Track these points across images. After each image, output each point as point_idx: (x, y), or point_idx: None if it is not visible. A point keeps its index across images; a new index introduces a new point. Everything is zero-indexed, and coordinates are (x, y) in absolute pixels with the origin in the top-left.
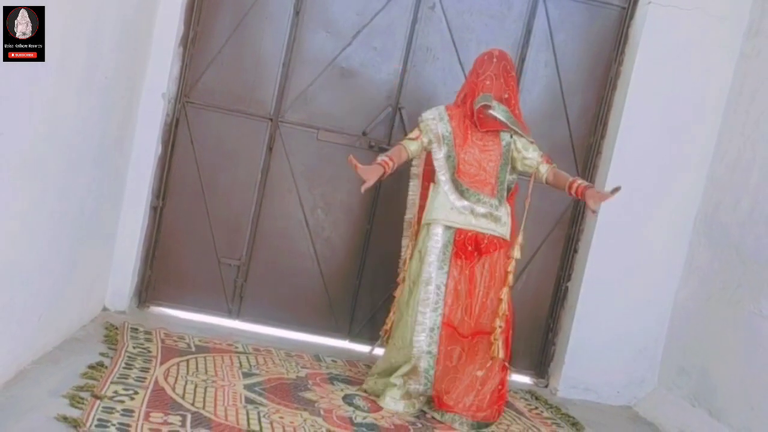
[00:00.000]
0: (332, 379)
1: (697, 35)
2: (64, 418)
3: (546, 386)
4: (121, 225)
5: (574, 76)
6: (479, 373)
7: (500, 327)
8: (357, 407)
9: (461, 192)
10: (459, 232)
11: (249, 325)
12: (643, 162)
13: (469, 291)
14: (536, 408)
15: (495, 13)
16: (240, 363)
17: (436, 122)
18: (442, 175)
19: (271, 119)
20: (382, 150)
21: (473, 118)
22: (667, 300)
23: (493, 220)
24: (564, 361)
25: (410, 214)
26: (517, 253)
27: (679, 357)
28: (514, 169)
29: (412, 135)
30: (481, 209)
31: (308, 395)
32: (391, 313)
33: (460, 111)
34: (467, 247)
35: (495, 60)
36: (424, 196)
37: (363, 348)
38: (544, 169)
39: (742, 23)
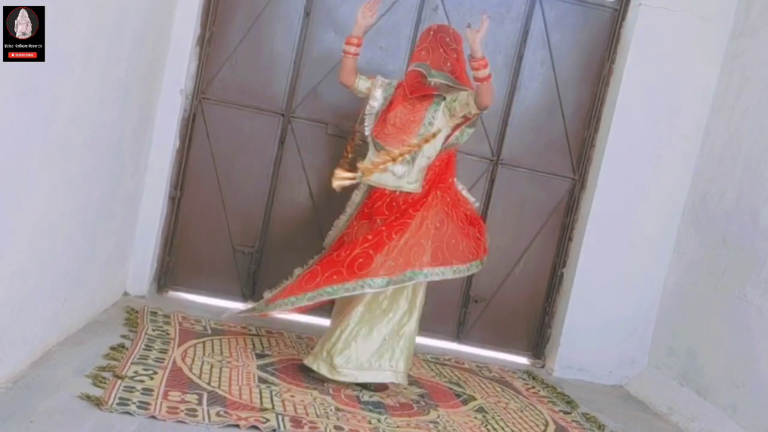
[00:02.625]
0: None
1: (685, 35)
2: (88, 397)
3: (542, 367)
4: (141, 214)
5: (569, 74)
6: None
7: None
8: (363, 386)
9: (378, 150)
10: (372, 189)
11: None
12: (634, 154)
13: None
14: (533, 387)
15: (494, 14)
16: (253, 345)
17: (384, 86)
18: (366, 130)
19: (283, 114)
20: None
21: (409, 89)
22: (656, 285)
23: (404, 177)
24: (559, 343)
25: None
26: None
27: (668, 339)
28: (456, 121)
29: (368, 80)
30: (395, 167)
31: (318, 375)
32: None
33: (403, 83)
34: (368, 204)
35: (432, 33)
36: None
37: None
38: (473, 97)
39: (727, 24)
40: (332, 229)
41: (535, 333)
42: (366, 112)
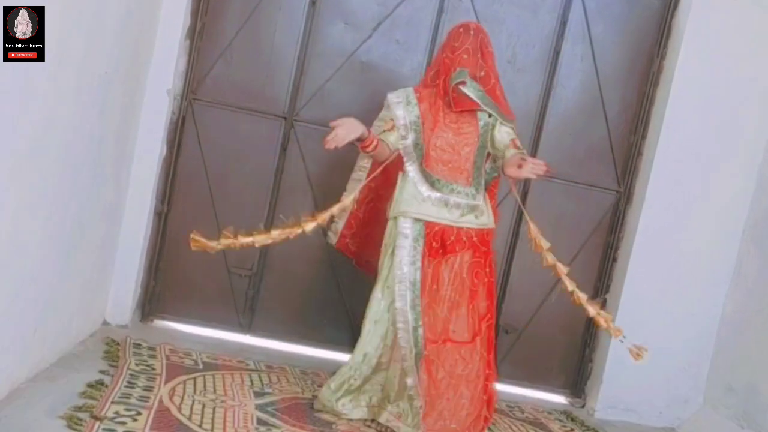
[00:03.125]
0: None
1: (745, 28)
2: None
3: (582, 406)
4: (123, 232)
5: (613, 71)
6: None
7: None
8: (377, 429)
9: (432, 183)
10: (428, 225)
11: (261, 340)
12: (687, 163)
13: (431, 293)
14: (572, 430)
15: (527, 3)
16: (251, 381)
17: (403, 107)
18: (410, 165)
19: (285, 118)
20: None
21: (446, 98)
22: (713, 312)
23: (469, 211)
24: (602, 380)
25: (350, 191)
26: (544, 243)
27: (727, 374)
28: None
29: (385, 126)
30: (455, 200)
31: (325, 416)
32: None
33: (429, 91)
34: (433, 243)
35: (472, 33)
36: (386, 186)
37: None
38: (510, 155)
39: None
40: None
41: (574, 368)
42: (402, 152)
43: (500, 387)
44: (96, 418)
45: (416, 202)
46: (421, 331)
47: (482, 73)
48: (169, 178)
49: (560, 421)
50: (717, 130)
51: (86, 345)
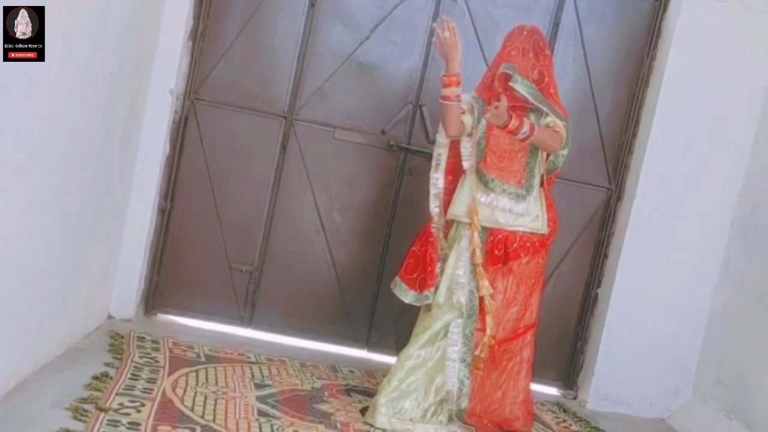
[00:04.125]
0: (349, 391)
1: (733, 29)
2: None
3: (574, 398)
4: (127, 228)
5: (604, 72)
6: (505, 386)
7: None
8: None
9: (485, 182)
10: (491, 233)
11: (261, 333)
12: (676, 162)
13: (493, 299)
14: (564, 421)
15: (521, 5)
16: (252, 374)
17: (473, 103)
18: (467, 163)
19: (285, 117)
20: (402, 149)
21: (497, 93)
22: (702, 307)
23: (522, 214)
24: (593, 372)
25: (434, 206)
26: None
27: (715, 367)
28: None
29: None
30: (505, 203)
31: (324, 407)
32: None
33: (487, 95)
34: (495, 251)
35: (525, 33)
36: (449, 191)
37: (382, 358)
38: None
39: None
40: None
41: (567, 361)
42: (463, 153)
43: None
44: (101, 409)
45: (470, 204)
46: (472, 335)
47: (536, 73)
48: (172, 175)
49: (553, 412)
50: (705, 130)
51: (91, 338)
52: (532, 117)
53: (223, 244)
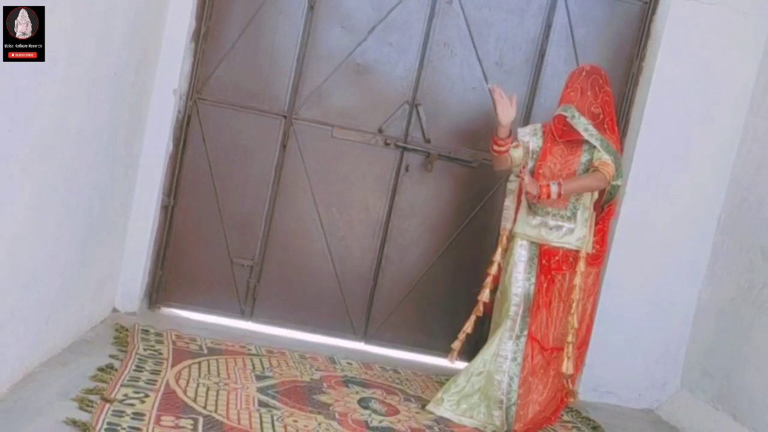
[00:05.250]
0: (347, 382)
1: (720, 31)
2: (73, 422)
3: None
4: (132, 224)
5: None
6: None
7: (571, 343)
8: (373, 410)
9: (530, 206)
10: (540, 246)
11: (262, 326)
12: (665, 159)
13: (546, 305)
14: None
15: (514, 7)
16: (253, 365)
17: (529, 137)
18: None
19: (285, 116)
20: (398, 147)
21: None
22: (689, 301)
23: (567, 233)
24: (584, 363)
25: (504, 226)
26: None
27: (702, 359)
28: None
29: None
30: (554, 222)
31: (323, 398)
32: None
33: (549, 127)
34: (543, 261)
35: (584, 73)
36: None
37: (379, 350)
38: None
39: (766, 19)
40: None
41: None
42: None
43: None
44: (106, 400)
45: (526, 225)
46: (524, 340)
47: (594, 109)
48: (175, 173)
49: None
50: (693, 128)
51: (97, 331)
52: (585, 148)
53: (224, 240)
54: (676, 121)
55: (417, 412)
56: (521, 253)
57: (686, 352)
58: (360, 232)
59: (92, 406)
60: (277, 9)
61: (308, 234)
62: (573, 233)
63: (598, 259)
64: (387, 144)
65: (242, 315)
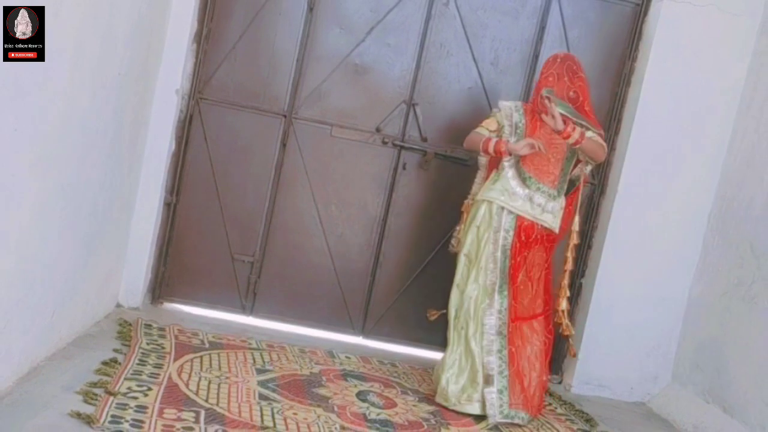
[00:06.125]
0: (346, 376)
1: (710, 32)
2: (78, 415)
3: (560, 382)
4: (135, 221)
5: (588, 73)
6: (536, 365)
7: (563, 309)
8: (371, 403)
9: (524, 179)
10: (519, 218)
11: (262, 321)
12: (656, 158)
13: (520, 279)
14: (550, 404)
15: (509, 9)
16: (253, 359)
17: (512, 111)
18: (507, 161)
19: (285, 115)
20: (396, 146)
21: (539, 112)
22: (681, 296)
23: (547, 211)
24: (578, 358)
25: (469, 199)
26: (575, 238)
27: (693, 353)
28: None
29: (490, 126)
30: (538, 198)
31: (322, 391)
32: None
33: (531, 107)
34: (522, 236)
35: (559, 60)
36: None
37: (377, 344)
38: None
39: (755, 20)
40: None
41: (552, 347)
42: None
43: None
44: (110, 393)
45: (507, 195)
46: (506, 313)
47: (572, 94)
48: (177, 171)
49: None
50: (684, 127)
51: (101, 326)
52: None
53: (225, 237)
54: (667, 120)
55: (414, 405)
56: (500, 223)
57: (677, 347)
58: (358, 229)
59: (96, 399)
60: (277, 11)
61: (307, 231)
62: (552, 212)
63: (561, 237)
64: (384, 143)
65: (243, 310)
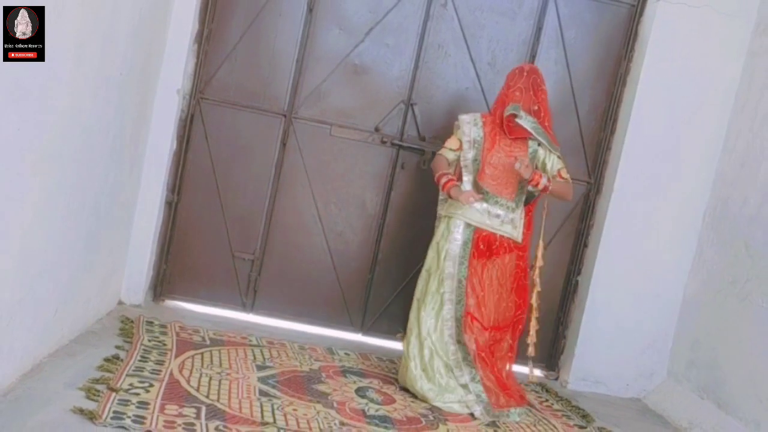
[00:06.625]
0: (345, 372)
1: (705, 32)
2: (80, 411)
3: (556, 379)
4: (137, 220)
5: (584, 73)
6: (506, 367)
7: (536, 329)
8: (370, 399)
9: (481, 194)
10: (477, 230)
11: (263, 318)
12: (652, 158)
13: (482, 287)
14: (546, 400)
15: (506, 10)
16: (254, 356)
17: (471, 126)
18: (466, 176)
19: (285, 115)
20: (394, 145)
21: (503, 126)
22: (676, 294)
23: (506, 222)
24: (574, 354)
25: (441, 210)
26: (540, 261)
27: (688, 350)
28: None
29: (451, 145)
30: (497, 210)
31: (321, 388)
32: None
33: (492, 119)
34: (480, 245)
35: (525, 74)
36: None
37: (376, 341)
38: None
39: (750, 21)
40: (432, 273)
41: (549, 344)
42: (462, 164)
43: None
44: (112, 389)
45: (465, 208)
46: (463, 321)
47: (536, 107)
48: (178, 170)
49: (536, 392)
50: (679, 127)
51: (103, 323)
52: (529, 144)
53: (226, 235)
54: (662, 119)
55: (412, 401)
56: (456, 235)
57: (672, 344)
58: (357, 228)
59: (99, 395)
60: (278, 12)
61: (307, 229)
62: (512, 222)
63: (527, 245)
64: (383, 142)
65: (243, 307)
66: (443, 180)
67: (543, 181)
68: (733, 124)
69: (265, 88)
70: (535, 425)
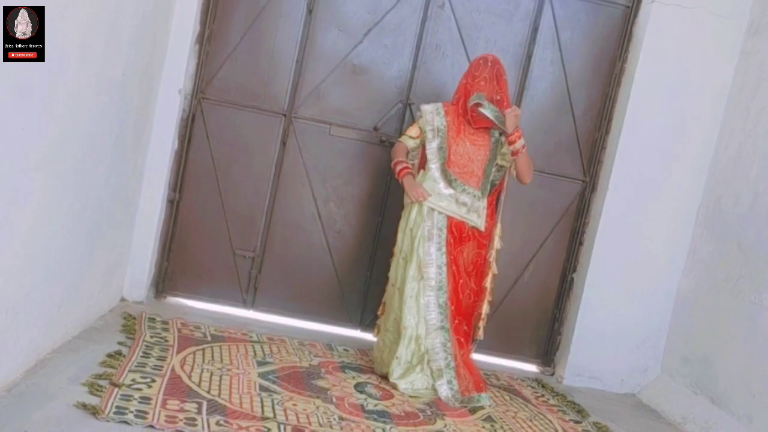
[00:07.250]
0: (344, 368)
1: (699, 33)
2: (84, 406)
3: (552, 374)
4: (139, 218)
5: (580, 73)
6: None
7: (486, 313)
8: (369, 395)
9: (449, 181)
10: (449, 218)
11: (263, 315)
12: (646, 156)
13: (459, 273)
14: (542, 396)
15: (502, 11)
16: (254, 352)
17: (433, 115)
18: (433, 164)
19: (285, 115)
20: (393, 145)
21: (467, 116)
22: (670, 291)
23: (473, 210)
24: (570, 350)
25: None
26: (497, 243)
27: (682, 346)
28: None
29: (412, 133)
30: (464, 198)
31: (321, 383)
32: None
33: (454, 109)
34: (454, 231)
35: (489, 64)
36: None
37: (373, 337)
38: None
39: (743, 22)
40: (405, 262)
41: (545, 340)
42: (427, 153)
43: (477, 357)
44: (115, 384)
45: (435, 195)
46: (446, 307)
47: (498, 97)
48: (180, 169)
49: (532, 387)
50: (673, 126)
51: (106, 319)
52: (492, 132)
53: (227, 233)
54: (656, 119)
55: (411, 396)
56: (433, 221)
57: (666, 340)
58: (356, 226)
59: (102, 391)
60: (278, 13)
61: (307, 227)
62: (477, 211)
63: (490, 233)
64: (382, 141)
65: (244, 304)
66: (398, 168)
67: (521, 142)
68: (726, 124)
69: (266, 88)
70: (531, 420)
